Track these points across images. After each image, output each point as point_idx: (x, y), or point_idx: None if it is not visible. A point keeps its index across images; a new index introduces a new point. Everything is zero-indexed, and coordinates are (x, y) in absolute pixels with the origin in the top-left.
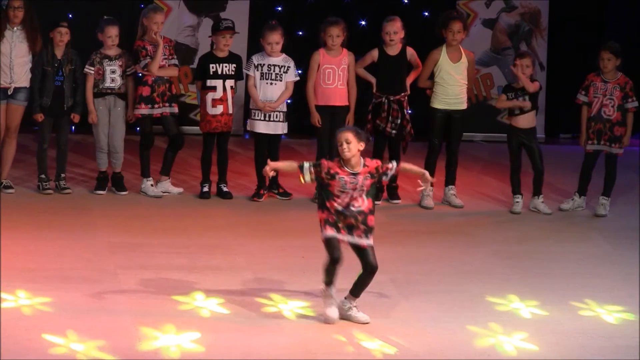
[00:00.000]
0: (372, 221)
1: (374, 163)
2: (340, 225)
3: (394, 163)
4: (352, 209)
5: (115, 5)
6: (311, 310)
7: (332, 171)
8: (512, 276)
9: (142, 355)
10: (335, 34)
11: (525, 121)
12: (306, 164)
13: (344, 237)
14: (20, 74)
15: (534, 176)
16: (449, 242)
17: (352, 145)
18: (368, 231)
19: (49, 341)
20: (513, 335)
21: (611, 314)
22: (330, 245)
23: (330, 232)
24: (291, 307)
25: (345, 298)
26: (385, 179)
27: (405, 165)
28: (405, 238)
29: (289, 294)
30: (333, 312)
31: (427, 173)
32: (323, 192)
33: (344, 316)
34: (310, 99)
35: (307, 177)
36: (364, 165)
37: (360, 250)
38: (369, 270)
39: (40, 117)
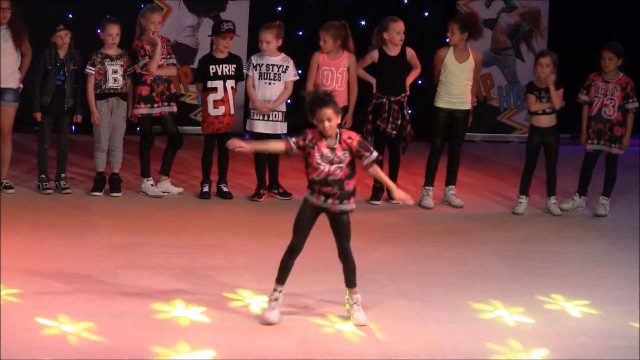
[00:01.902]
0: (349, 185)
1: (353, 140)
2: (315, 189)
3: (374, 155)
4: (329, 179)
5: (115, 5)
6: (312, 311)
7: (314, 140)
8: (512, 276)
9: (142, 354)
10: (323, 38)
11: (547, 120)
12: (291, 139)
13: (318, 201)
14: (6, 75)
15: (547, 177)
16: (449, 242)
17: (333, 122)
18: (344, 196)
19: (48, 342)
20: (513, 334)
21: (614, 315)
22: (298, 220)
23: (308, 193)
24: (291, 307)
25: (347, 294)
26: (360, 162)
27: (378, 171)
28: (405, 238)
29: (289, 294)
30: (273, 315)
31: (394, 189)
32: (305, 159)
33: (347, 312)
34: None
35: (293, 147)
36: (340, 139)
37: (334, 221)
38: (344, 256)
39: (39, 116)
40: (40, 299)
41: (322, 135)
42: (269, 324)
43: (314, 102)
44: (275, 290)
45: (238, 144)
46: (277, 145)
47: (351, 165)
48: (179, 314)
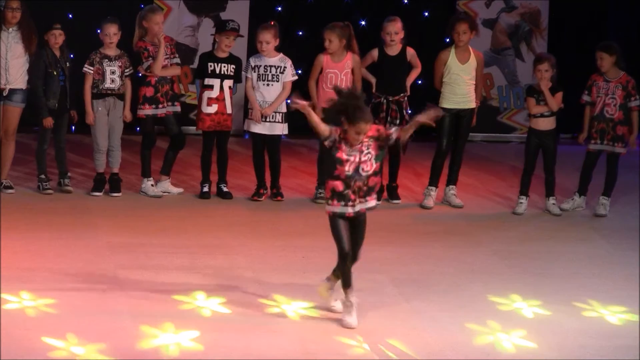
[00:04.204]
0: (372, 182)
1: (374, 127)
2: (349, 191)
3: (394, 129)
4: (362, 173)
5: (115, 5)
6: (312, 311)
7: (341, 135)
8: (512, 276)
9: (142, 355)
10: (329, 38)
11: (545, 123)
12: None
13: (354, 207)
14: (15, 76)
15: (545, 179)
16: (449, 242)
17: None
18: (368, 192)
19: (48, 344)
20: (513, 334)
21: (614, 315)
22: (337, 232)
23: (337, 207)
24: (291, 307)
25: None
26: (390, 142)
27: (403, 130)
28: (405, 238)
29: (290, 295)
30: (354, 319)
31: (423, 117)
32: (333, 159)
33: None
34: (313, 96)
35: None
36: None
37: (355, 220)
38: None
39: (50, 121)
40: (40, 299)
41: (344, 140)
42: (351, 327)
43: (362, 111)
44: (347, 296)
45: (301, 103)
46: (322, 127)
47: (381, 161)
48: (179, 314)
